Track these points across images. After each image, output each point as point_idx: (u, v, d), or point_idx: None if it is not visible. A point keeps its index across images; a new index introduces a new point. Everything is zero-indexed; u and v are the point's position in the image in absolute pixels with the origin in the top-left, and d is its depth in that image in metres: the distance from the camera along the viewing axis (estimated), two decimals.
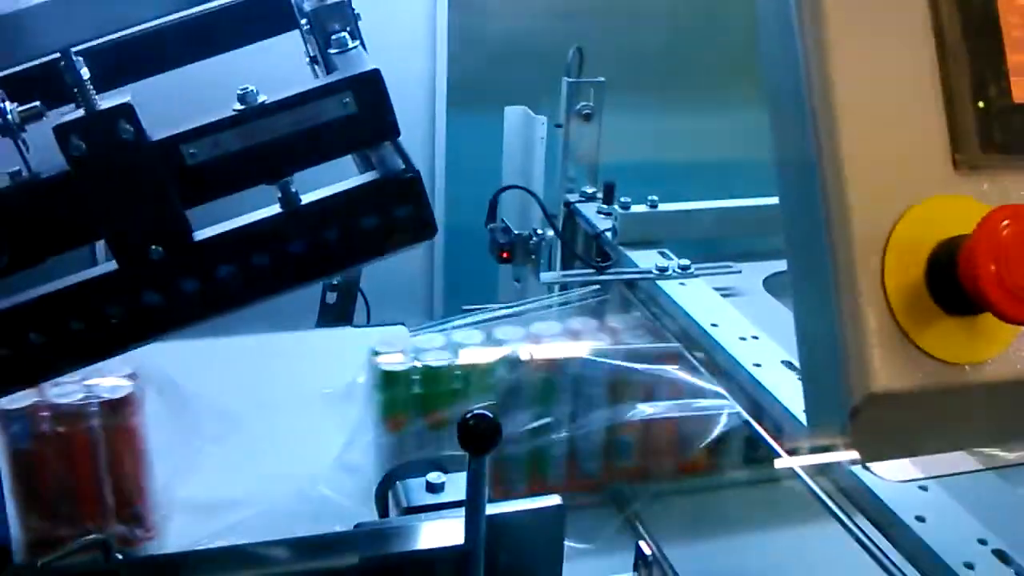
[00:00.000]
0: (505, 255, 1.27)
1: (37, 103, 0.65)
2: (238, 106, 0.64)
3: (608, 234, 1.24)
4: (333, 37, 0.76)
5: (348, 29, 0.78)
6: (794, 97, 0.49)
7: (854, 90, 0.47)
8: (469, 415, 0.63)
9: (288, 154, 0.65)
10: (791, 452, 0.86)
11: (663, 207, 1.26)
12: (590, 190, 1.35)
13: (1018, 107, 0.49)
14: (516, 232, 1.28)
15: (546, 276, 1.21)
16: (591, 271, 1.19)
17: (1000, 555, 0.76)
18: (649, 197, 1.26)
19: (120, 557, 0.76)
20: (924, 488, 0.81)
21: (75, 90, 0.63)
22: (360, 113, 0.65)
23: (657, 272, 1.12)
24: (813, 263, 0.48)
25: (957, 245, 0.45)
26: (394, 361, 1.00)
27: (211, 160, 0.64)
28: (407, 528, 0.72)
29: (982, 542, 0.77)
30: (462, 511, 0.68)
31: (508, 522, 0.70)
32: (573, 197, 1.35)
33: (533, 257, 1.27)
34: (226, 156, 0.64)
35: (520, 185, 1.35)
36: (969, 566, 0.74)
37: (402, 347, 1.02)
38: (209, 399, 0.99)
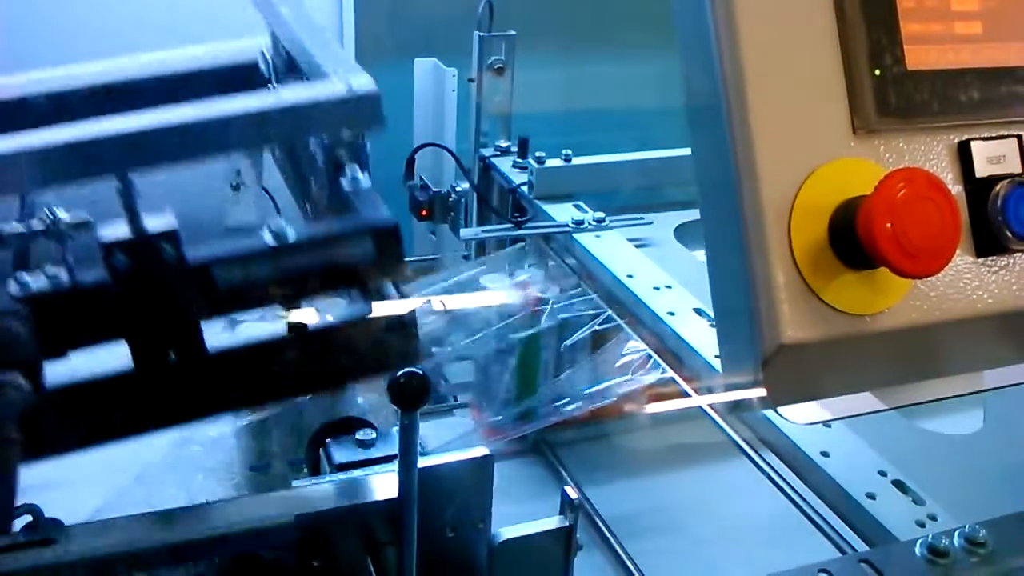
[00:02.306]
0: (424, 213, 1.28)
1: (86, 216, 0.71)
2: (270, 239, 0.71)
3: (524, 188, 1.26)
4: (347, 169, 0.81)
5: (360, 161, 0.84)
6: (704, 69, 0.51)
7: (762, 63, 0.50)
8: (399, 373, 0.65)
9: (306, 284, 0.72)
10: (704, 396, 0.91)
11: (577, 160, 1.28)
12: (504, 144, 1.36)
13: (911, 74, 0.53)
14: (434, 190, 1.29)
15: (466, 232, 1.22)
16: (510, 226, 1.21)
17: (899, 485, 0.82)
18: (563, 151, 1.28)
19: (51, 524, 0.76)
20: (828, 425, 0.87)
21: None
22: (376, 256, 0.71)
23: (574, 225, 1.15)
24: (725, 226, 0.51)
25: (857, 205, 0.49)
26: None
27: (237, 284, 0.70)
28: (341, 484, 0.74)
29: (882, 474, 0.82)
30: (393, 466, 0.70)
31: (439, 474, 0.72)
32: (487, 152, 1.36)
33: (452, 214, 1.29)
34: (251, 282, 0.71)
35: (434, 140, 1.35)
36: (871, 496, 0.80)
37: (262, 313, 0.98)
38: None
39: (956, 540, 0.68)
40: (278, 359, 0.73)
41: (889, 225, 0.47)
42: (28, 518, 0.73)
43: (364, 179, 0.80)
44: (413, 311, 0.73)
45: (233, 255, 0.70)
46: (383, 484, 0.71)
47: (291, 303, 0.72)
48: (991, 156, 0.54)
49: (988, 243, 0.54)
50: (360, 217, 0.73)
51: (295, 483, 0.76)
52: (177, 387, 0.71)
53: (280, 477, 0.98)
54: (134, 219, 0.68)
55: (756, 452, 0.90)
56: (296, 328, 0.72)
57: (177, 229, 0.68)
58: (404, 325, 0.73)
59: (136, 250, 0.67)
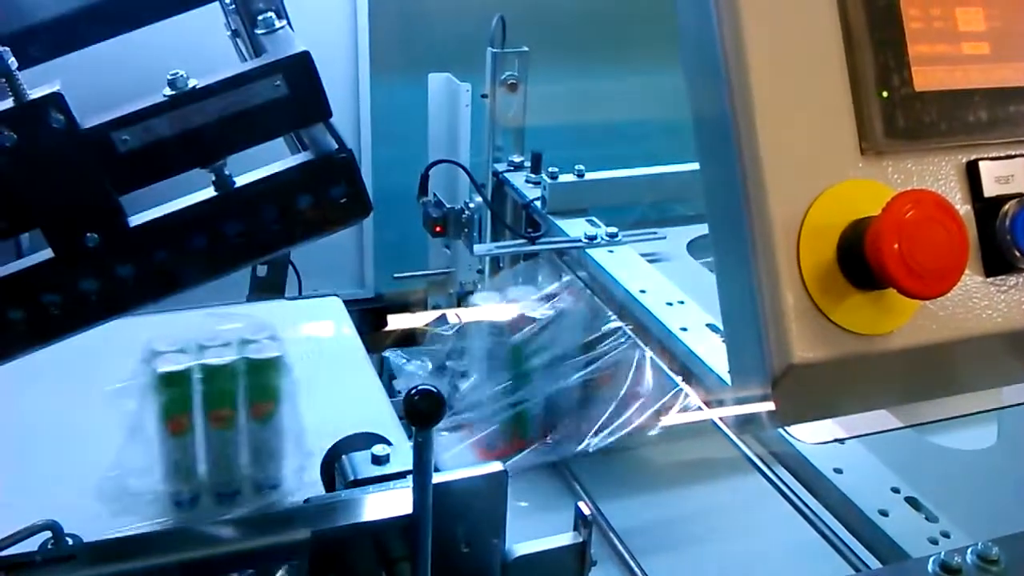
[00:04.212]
0: (438, 229, 1.29)
1: None
2: (168, 91, 0.64)
3: (537, 203, 1.26)
4: (259, 17, 0.75)
5: (274, 8, 0.77)
6: (712, 91, 0.52)
7: (770, 86, 0.51)
8: (414, 391, 0.66)
9: (220, 138, 0.65)
10: (715, 409, 0.91)
11: (590, 176, 1.28)
12: (518, 159, 1.37)
13: (919, 95, 0.53)
14: (448, 206, 1.30)
15: (479, 248, 1.23)
16: (523, 241, 1.21)
17: (912, 502, 0.82)
18: (576, 166, 1.28)
19: (70, 542, 0.76)
20: (841, 441, 0.87)
21: (3, 80, 0.62)
22: (291, 96, 0.65)
23: (587, 240, 1.15)
24: (734, 247, 0.52)
25: (865, 227, 0.49)
26: (172, 361, 0.89)
27: (143, 146, 0.64)
28: (356, 500, 0.74)
29: (895, 490, 0.82)
30: (408, 481, 0.70)
31: (453, 489, 0.73)
32: (501, 167, 1.37)
33: (466, 230, 1.29)
34: (158, 142, 0.64)
35: (447, 154, 1.36)
36: (884, 513, 0.80)
37: (183, 344, 0.91)
38: None
39: (969, 557, 0.68)
40: (210, 226, 0.67)
41: (897, 246, 0.47)
42: (47, 534, 0.74)
43: (279, 23, 0.75)
44: (349, 150, 0.67)
45: (131, 113, 0.63)
46: (398, 500, 0.72)
47: (210, 162, 0.66)
48: (999, 176, 0.54)
49: (997, 262, 0.54)
50: (267, 55, 0.67)
51: (311, 499, 0.77)
52: (104, 271, 0.65)
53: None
54: (15, 88, 0.61)
55: (769, 468, 0.90)
56: (222, 188, 0.66)
57: (61, 92, 0.61)
58: (342, 168, 0.67)
59: (20, 120, 0.61)
